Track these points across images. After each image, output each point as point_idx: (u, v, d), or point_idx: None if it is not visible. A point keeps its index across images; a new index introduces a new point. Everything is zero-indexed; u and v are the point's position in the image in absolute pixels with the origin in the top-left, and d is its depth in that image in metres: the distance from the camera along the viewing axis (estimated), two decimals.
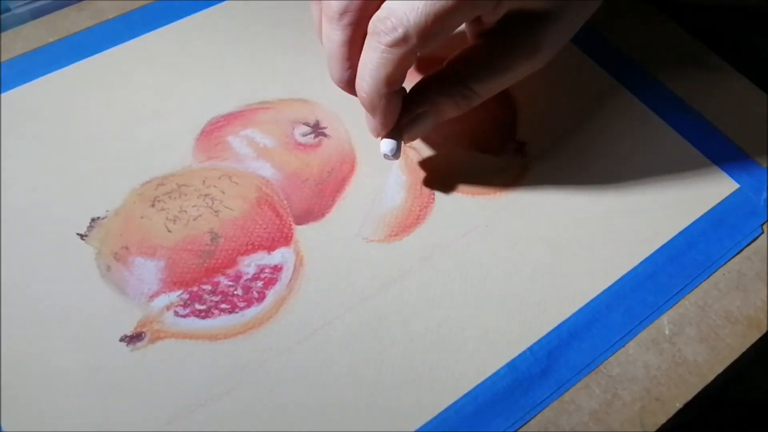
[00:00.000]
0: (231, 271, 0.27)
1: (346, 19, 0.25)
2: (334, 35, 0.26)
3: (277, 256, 0.27)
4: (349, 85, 0.27)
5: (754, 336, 0.27)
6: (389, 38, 0.24)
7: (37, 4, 0.35)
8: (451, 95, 0.27)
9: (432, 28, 0.23)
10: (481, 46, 0.27)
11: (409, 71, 0.25)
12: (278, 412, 0.24)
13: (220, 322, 0.26)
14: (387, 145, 0.28)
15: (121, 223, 0.28)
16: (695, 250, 0.29)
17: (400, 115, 0.27)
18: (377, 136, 0.28)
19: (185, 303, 0.26)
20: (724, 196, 0.30)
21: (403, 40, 0.24)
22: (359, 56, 0.26)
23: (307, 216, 0.29)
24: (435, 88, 0.27)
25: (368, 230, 0.28)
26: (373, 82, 0.25)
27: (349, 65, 0.26)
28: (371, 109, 0.26)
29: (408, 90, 0.28)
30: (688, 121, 0.32)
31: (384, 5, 0.24)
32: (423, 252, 0.28)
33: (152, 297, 0.26)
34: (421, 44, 0.24)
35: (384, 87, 0.25)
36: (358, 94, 0.26)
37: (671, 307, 0.27)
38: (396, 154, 0.28)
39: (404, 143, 0.28)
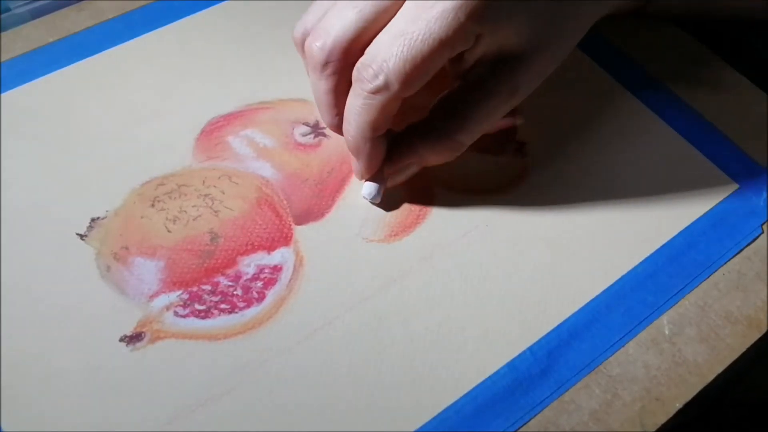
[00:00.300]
0: (231, 271, 0.27)
1: (329, 70, 0.26)
2: (319, 85, 0.27)
3: (277, 256, 0.27)
4: (340, 129, 0.27)
5: (754, 336, 0.27)
6: (371, 85, 0.24)
7: (37, 4, 0.35)
8: (437, 148, 0.27)
9: (412, 73, 0.24)
10: (460, 91, 0.27)
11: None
12: (278, 412, 0.24)
13: (219, 322, 0.26)
14: (369, 188, 0.28)
15: (120, 223, 0.28)
16: (695, 250, 0.29)
17: (385, 164, 0.28)
18: (361, 178, 0.28)
19: (185, 303, 0.26)
20: (724, 196, 0.30)
21: (385, 86, 0.24)
22: (345, 102, 0.26)
23: (307, 216, 0.29)
24: (420, 142, 0.27)
25: (368, 230, 0.28)
26: (357, 127, 0.26)
27: (336, 112, 0.27)
28: (356, 152, 0.27)
29: (393, 134, 0.28)
30: (688, 121, 0.32)
31: (367, 51, 0.25)
32: (423, 252, 0.28)
33: (152, 297, 0.26)
34: (403, 89, 0.24)
35: (368, 132, 0.26)
36: (345, 138, 0.27)
37: (671, 307, 0.27)
38: (376, 198, 0.28)
39: (387, 185, 0.29)
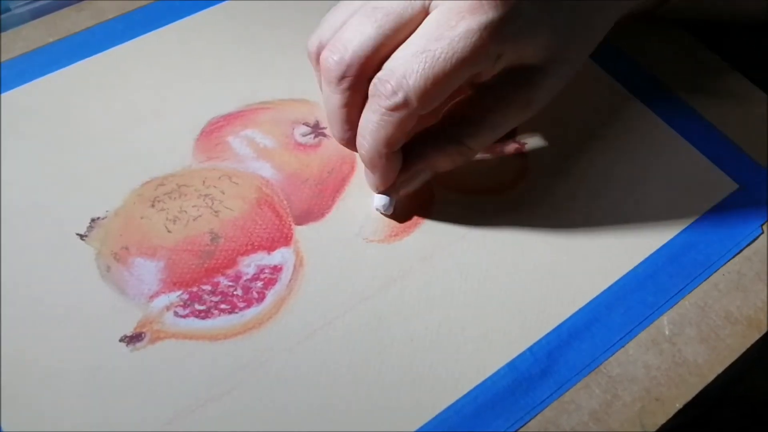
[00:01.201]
0: (231, 272, 0.27)
1: (345, 84, 0.25)
2: (333, 98, 0.26)
3: (277, 256, 0.28)
4: (350, 144, 0.27)
5: (754, 336, 0.27)
6: (389, 102, 0.24)
7: (37, 4, 0.35)
8: (448, 153, 0.27)
9: (431, 91, 0.24)
10: (475, 100, 0.27)
11: None
12: (278, 412, 0.24)
13: (219, 322, 0.26)
14: (382, 200, 0.28)
15: (121, 223, 0.28)
16: (695, 250, 0.29)
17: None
18: (376, 191, 0.28)
19: (185, 303, 0.26)
20: (724, 196, 0.30)
21: (404, 103, 0.24)
22: (359, 117, 0.26)
23: (307, 216, 0.29)
24: (431, 147, 0.27)
25: (368, 230, 0.28)
26: (373, 143, 0.25)
27: (349, 127, 0.27)
28: (371, 167, 0.27)
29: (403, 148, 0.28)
30: (688, 121, 0.32)
31: (385, 66, 0.24)
32: (423, 252, 0.28)
33: (152, 297, 0.26)
34: (422, 107, 0.24)
35: (384, 148, 0.25)
36: (359, 153, 0.26)
37: (671, 308, 0.27)
38: (389, 209, 0.28)
39: (400, 194, 0.28)
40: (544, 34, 0.25)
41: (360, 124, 0.26)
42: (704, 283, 0.28)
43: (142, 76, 0.33)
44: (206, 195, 0.29)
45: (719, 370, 0.26)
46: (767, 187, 0.30)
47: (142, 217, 0.28)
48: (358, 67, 0.25)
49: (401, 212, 0.29)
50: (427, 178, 0.28)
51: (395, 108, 0.24)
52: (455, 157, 0.27)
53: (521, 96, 0.26)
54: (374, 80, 0.24)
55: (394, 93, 0.24)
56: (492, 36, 0.23)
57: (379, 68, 0.25)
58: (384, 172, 0.27)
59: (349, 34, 0.25)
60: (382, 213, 0.28)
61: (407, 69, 0.23)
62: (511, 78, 0.26)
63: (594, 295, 0.27)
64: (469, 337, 0.26)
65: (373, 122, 0.25)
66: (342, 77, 0.25)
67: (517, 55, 0.25)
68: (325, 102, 0.27)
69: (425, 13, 0.24)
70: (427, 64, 0.23)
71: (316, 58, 0.26)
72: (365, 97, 0.25)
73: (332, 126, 0.27)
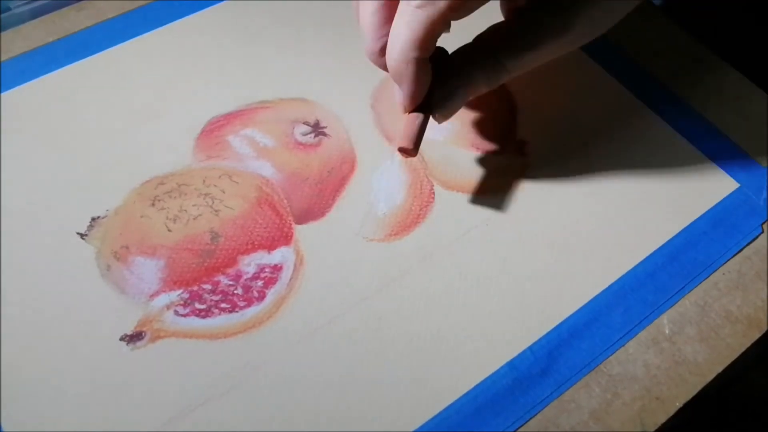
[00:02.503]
0: (231, 271, 0.27)
1: None
2: (366, 4, 0.26)
3: (277, 255, 0.27)
4: (380, 56, 0.26)
5: (754, 336, 0.27)
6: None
7: (36, 4, 0.35)
8: (483, 68, 0.27)
9: None
10: (512, 22, 0.27)
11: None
12: (278, 412, 0.24)
13: (220, 321, 0.26)
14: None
15: (121, 222, 0.28)
16: (695, 249, 0.29)
17: (431, 91, 0.27)
18: (404, 111, 0.27)
19: (185, 302, 0.26)
20: (724, 196, 0.30)
21: (431, 0, 0.23)
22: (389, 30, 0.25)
23: (307, 215, 0.29)
24: (467, 60, 0.27)
25: (368, 230, 0.28)
26: (401, 46, 0.25)
27: (380, 35, 0.26)
28: (398, 77, 0.26)
29: (440, 67, 0.27)
30: (688, 120, 0.32)
31: None
32: (423, 252, 0.28)
33: (152, 296, 0.26)
34: (450, 7, 0.24)
35: (412, 51, 0.25)
36: (387, 63, 0.26)
37: (671, 307, 0.27)
38: (414, 149, 0.27)
39: (438, 122, 0.28)
40: None
41: (390, 32, 0.25)
42: (704, 282, 0.28)
43: (142, 76, 0.33)
44: (206, 194, 0.29)
45: (719, 369, 0.26)
46: (767, 186, 0.31)
47: (142, 216, 0.28)
48: None
49: (402, 210, 0.29)
50: (463, 101, 0.27)
51: (423, 5, 0.24)
52: (491, 74, 0.27)
53: (557, 22, 0.26)
54: None
55: None
56: None
57: None
58: (412, 83, 0.26)
59: None
60: (406, 154, 0.27)
61: None
62: (547, 3, 0.26)
63: (594, 295, 0.27)
64: (469, 336, 0.26)
65: (402, 24, 0.24)
66: None
67: None
68: (359, 12, 0.26)
69: None
70: None
71: None
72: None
73: (365, 39, 0.27)
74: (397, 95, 0.27)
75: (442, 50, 0.28)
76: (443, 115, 0.28)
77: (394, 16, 0.25)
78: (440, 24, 0.24)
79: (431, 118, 0.27)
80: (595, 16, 0.26)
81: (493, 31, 0.27)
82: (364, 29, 0.26)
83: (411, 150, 0.27)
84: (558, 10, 0.26)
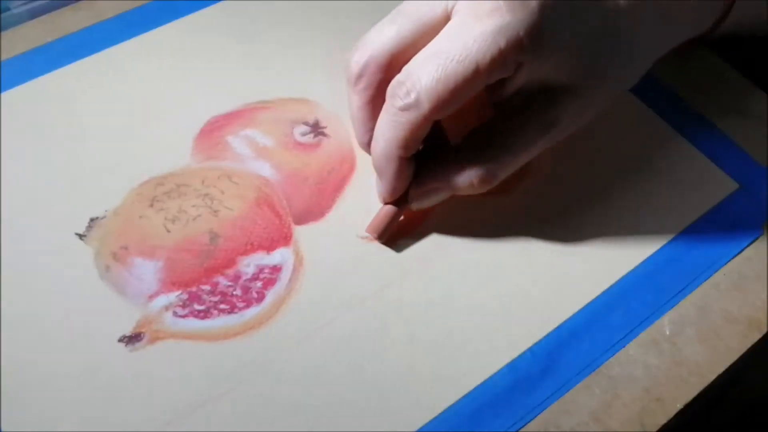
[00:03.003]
0: (230, 272, 0.27)
1: (362, 84, 0.26)
2: (353, 99, 0.26)
3: (277, 256, 0.27)
4: (369, 148, 0.27)
5: (754, 336, 0.27)
6: (402, 102, 0.24)
7: (36, 4, 0.35)
8: (467, 177, 0.26)
9: (444, 94, 0.23)
10: (495, 120, 0.26)
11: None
12: (278, 413, 0.24)
13: (219, 322, 0.26)
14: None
15: (120, 223, 0.28)
16: (695, 250, 0.29)
17: (412, 185, 0.27)
18: (383, 201, 0.28)
19: (184, 303, 0.26)
20: (724, 196, 0.30)
21: (415, 104, 0.24)
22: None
23: (307, 216, 0.29)
24: (452, 168, 0.26)
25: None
26: (384, 144, 0.25)
27: (367, 129, 0.27)
28: (380, 171, 0.26)
29: (422, 163, 0.27)
30: (688, 120, 0.32)
31: (404, 69, 0.24)
32: (423, 252, 0.28)
33: (151, 297, 0.26)
34: (434, 111, 0.24)
35: (394, 150, 0.25)
36: (371, 157, 0.26)
37: (672, 308, 0.27)
38: (380, 239, 0.28)
39: (412, 208, 0.28)
40: (571, 48, 0.24)
41: (376, 127, 0.26)
42: (704, 283, 0.28)
43: (141, 75, 0.33)
44: (205, 194, 0.29)
45: (719, 370, 0.26)
46: (767, 187, 0.30)
47: (141, 217, 0.28)
48: (374, 66, 0.25)
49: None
50: (443, 197, 0.27)
51: (406, 108, 0.24)
52: (475, 182, 0.26)
53: (541, 116, 0.25)
54: (392, 81, 0.25)
55: (407, 94, 0.24)
56: (509, 42, 0.23)
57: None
58: (392, 179, 0.26)
59: (372, 36, 0.25)
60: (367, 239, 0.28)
61: (421, 71, 0.23)
62: (533, 96, 0.25)
63: (594, 296, 0.27)
64: (469, 337, 0.26)
65: (386, 123, 0.25)
66: (359, 76, 0.26)
67: (539, 69, 0.24)
68: (348, 105, 0.27)
69: (447, 17, 0.24)
70: (440, 66, 0.23)
71: None
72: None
73: (354, 129, 0.28)
74: (377, 186, 0.27)
75: (427, 147, 0.27)
76: (419, 208, 0.28)
77: (380, 111, 0.25)
78: (424, 126, 0.25)
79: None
80: (583, 109, 0.26)
81: (478, 135, 0.26)
82: (353, 122, 0.27)
83: (377, 239, 0.28)
84: (542, 104, 0.25)
